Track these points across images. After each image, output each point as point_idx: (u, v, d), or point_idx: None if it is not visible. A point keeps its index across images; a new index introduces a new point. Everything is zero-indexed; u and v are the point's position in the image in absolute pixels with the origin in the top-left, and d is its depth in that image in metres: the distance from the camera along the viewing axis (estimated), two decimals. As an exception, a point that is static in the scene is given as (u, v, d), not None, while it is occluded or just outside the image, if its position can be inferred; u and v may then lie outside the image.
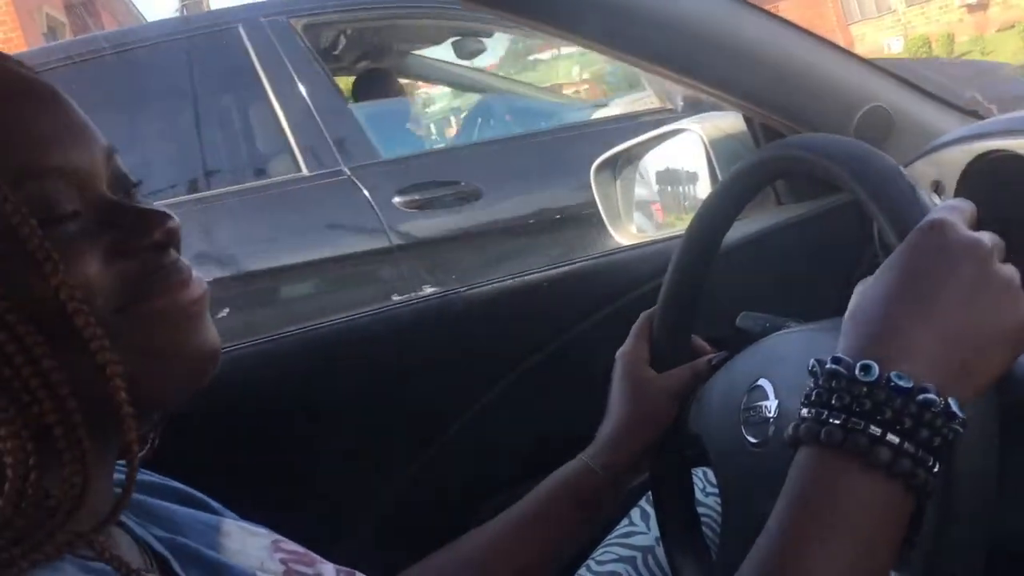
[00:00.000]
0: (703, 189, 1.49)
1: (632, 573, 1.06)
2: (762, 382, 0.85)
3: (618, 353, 1.03)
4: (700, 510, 1.07)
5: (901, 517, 0.56)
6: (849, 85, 1.15)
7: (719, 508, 1.09)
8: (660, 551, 1.06)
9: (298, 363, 1.26)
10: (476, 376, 1.30)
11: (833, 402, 0.57)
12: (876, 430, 0.55)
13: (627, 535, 1.11)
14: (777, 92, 1.14)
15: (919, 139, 1.09)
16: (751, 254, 1.28)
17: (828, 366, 0.58)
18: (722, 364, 0.97)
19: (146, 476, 0.73)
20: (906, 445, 0.55)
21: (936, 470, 0.56)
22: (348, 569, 0.76)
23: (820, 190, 1.27)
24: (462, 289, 1.33)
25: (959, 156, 0.95)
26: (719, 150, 1.39)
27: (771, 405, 0.83)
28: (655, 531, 1.08)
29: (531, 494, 0.96)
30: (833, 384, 0.57)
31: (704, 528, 1.05)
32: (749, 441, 0.84)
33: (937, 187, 0.96)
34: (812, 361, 0.60)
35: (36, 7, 16.95)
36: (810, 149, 0.78)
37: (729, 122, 1.43)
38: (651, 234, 1.74)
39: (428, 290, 2.74)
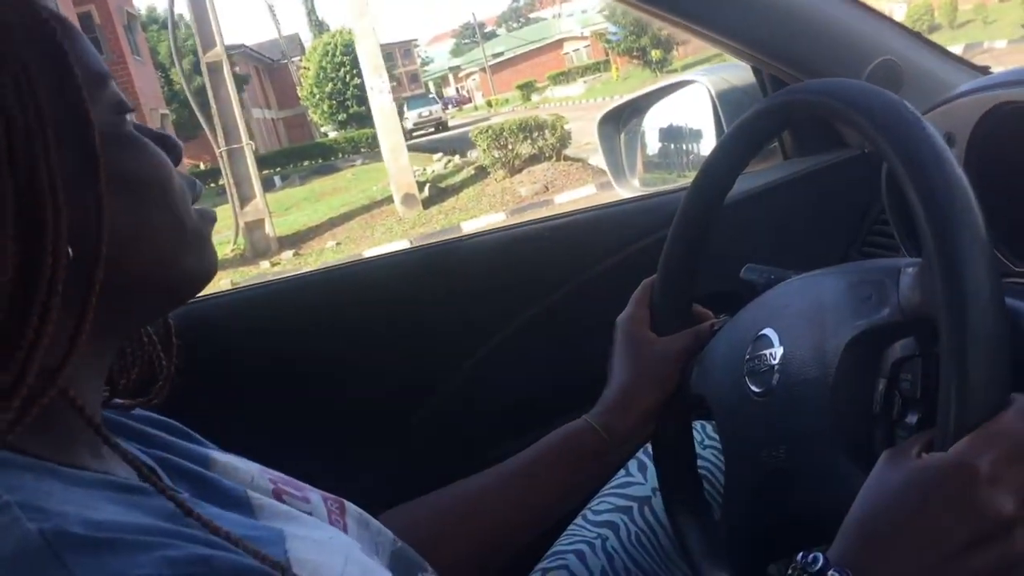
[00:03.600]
0: (707, 147, 1.48)
1: (628, 523, 1.06)
2: (767, 331, 0.85)
3: (618, 319, 1.03)
4: (699, 462, 1.07)
5: None
6: (861, 37, 1.13)
7: (716, 460, 1.09)
8: (656, 501, 1.06)
9: (302, 308, 1.26)
10: (477, 325, 1.30)
11: None
12: None
13: (624, 486, 1.11)
14: (788, 42, 1.13)
15: (930, 93, 1.07)
16: (757, 208, 1.28)
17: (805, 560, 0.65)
18: (723, 328, 0.96)
19: (136, 412, 0.73)
20: None
21: None
22: (336, 497, 0.76)
23: (827, 144, 1.26)
24: (465, 238, 1.33)
25: (971, 108, 0.94)
26: (726, 103, 1.37)
27: (775, 352, 0.82)
28: (652, 482, 1.08)
29: (526, 451, 0.96)
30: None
31: (703, 480, 1.05)
32: (753, 391, 0.84)
33: (949, 139, 0.94)
34: (799, 555, 0.65)
35: None
36: (820, 92, 0.77)
37: (737, 75, 1.41)
38: (655, 187, 1.73)
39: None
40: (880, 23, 1.17)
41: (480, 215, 13.72)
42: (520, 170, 14.74)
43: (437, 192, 15.52)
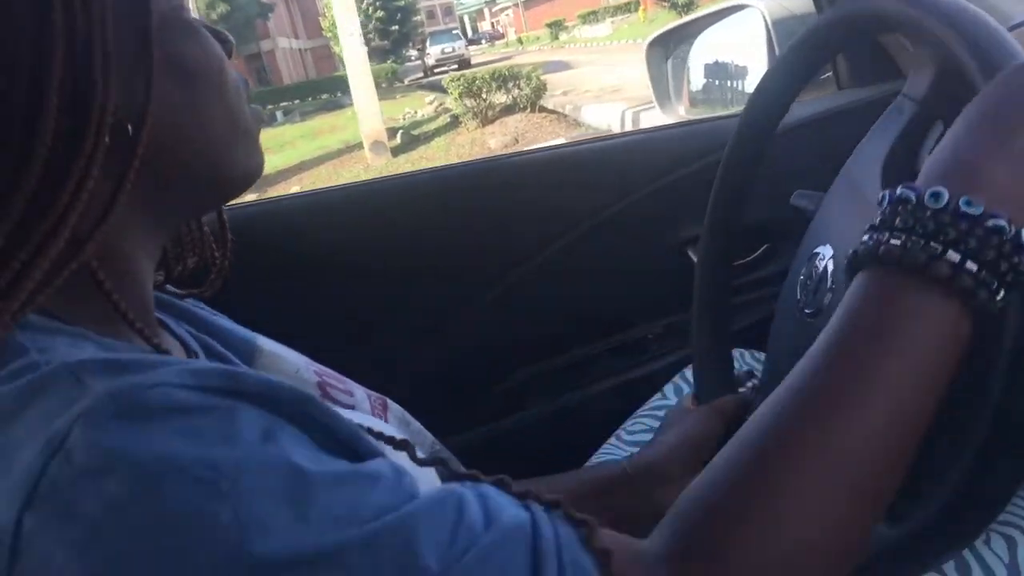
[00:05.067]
0: (752, 84, 1.45)
1: (661, 444, 1.07)
2: (820, 249, 0.83)
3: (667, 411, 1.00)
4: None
5: (955, 342, 0.51)
6: None
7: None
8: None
9: (345, 218, 1.25)
10: (519, 242, 1.29)
11: (896, 224, 0.53)
12: (936, 246, 0.51)
13: (659, 407, 1.12)
14: None
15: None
16: (808, 137, 1.26)
17: (897, 191, 0.54)
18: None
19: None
20: (968, 264, 0.50)
21: (1000, 297, 0.51)
22: (379, 395, 0.76)
23: (882, 75, 1.24)
24: (511, 155, 1.31)
25: None
26: (782, 31, 1.34)
27: (829, 270, 0.80)
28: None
29: (554, 484, 0.89)
30: (899, 210, 0.53)
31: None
32: (805, 312, 0.83)
33: None
34: (881, 192, 0.56)
35: None
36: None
37: (795, 1, 1.37)
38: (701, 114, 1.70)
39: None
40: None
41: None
42: (493, 120, 14.61)
43: (410, 140, 15.37)
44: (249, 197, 0.95)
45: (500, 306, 1.28)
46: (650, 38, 1.75)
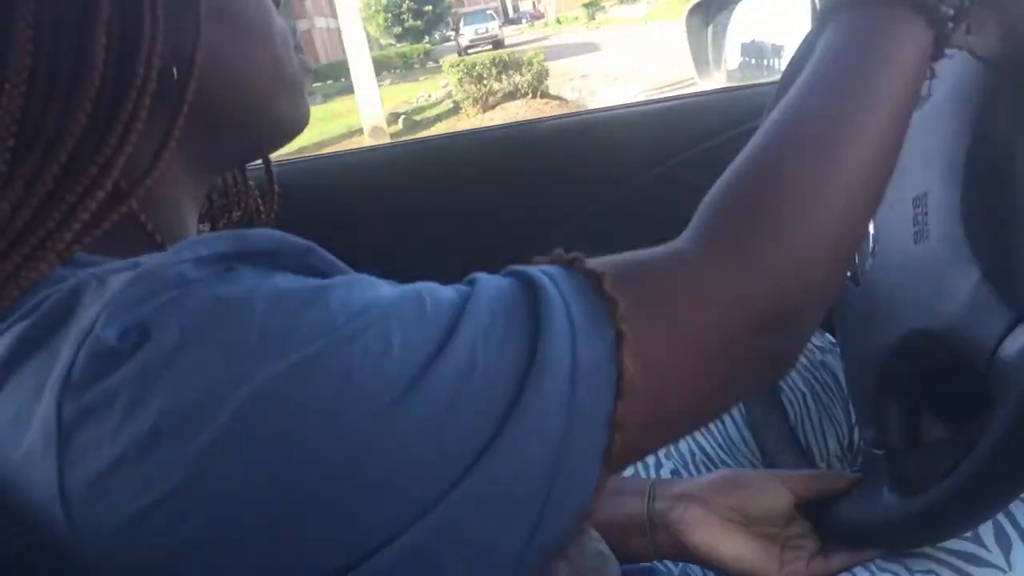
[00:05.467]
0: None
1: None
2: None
3: None
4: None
5: (920, 55, 0.58)
6: None
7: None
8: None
9: (383, 179, 1.27)
10: (556, 205, 1.29)
11: None
12: None
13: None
14: None
15: None
16: None
17: None
18: None
19: None
20: None
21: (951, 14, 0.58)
22: None
23: None
24: (544, 120, 1.31)
25: None
26: None
27: (868, 235, 0.80)
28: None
29: None
30: None
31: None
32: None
33: None
34: None
35: None
36: None
37: None
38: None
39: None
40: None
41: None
42: (494, 107, 14.59)
43: (411, 125, 15.31)
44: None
45: None
46: (691, 5, 1.74)
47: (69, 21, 0.50)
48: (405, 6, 38.05)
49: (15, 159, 0.50)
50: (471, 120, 14.54)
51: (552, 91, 14.62)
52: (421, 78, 23.96)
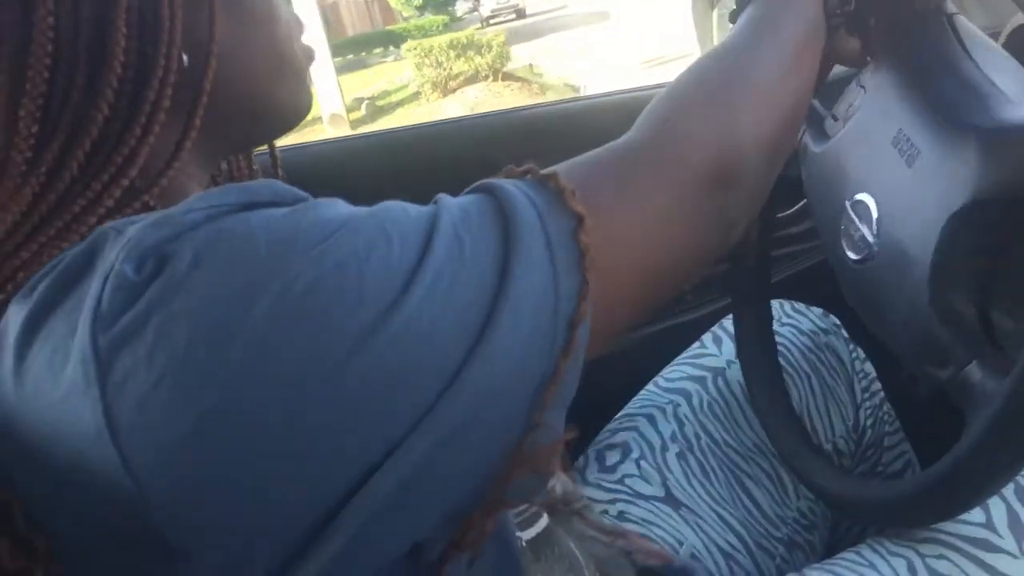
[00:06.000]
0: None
1: (702, 392, 1.07)
2: (860, 197, 0.80)
3: None
4: (775, 339, 1.08)
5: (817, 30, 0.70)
6: None
7: (793, 337, 1.09)
8: (730, 372, 1.07)
9: (379, 165, 1.25)
10: None
11: None
12: None
13: (698, 356, 1.11)
14: None
15: None
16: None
17: None
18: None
19: None
20: None
21: None
22: None
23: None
24: (531, 106, 1.29)
25: None
26: None
27: (874, 217, 0.78)
28: (727, 355, 1.09)
29: None
30: None
31: (779, 356, 1.06)
32: (852, 260, 0.81)
33: None
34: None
35: None
36: None
37: None
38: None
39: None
40: None
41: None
42: (454, 91, 14.48)
43: (374, 111, 15.11)
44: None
45: None
46: None
47: (89, 9, 0.51)
48: (426, -26, 37.26)
49: (39, 145, 0.51)
50: (430, 105, 14.42)
51: (544, 72, 14.37)
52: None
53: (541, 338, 0.46)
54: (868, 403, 1.10)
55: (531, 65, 15.33)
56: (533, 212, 0.48)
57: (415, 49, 14.79)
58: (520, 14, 33.37)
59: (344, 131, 14.08)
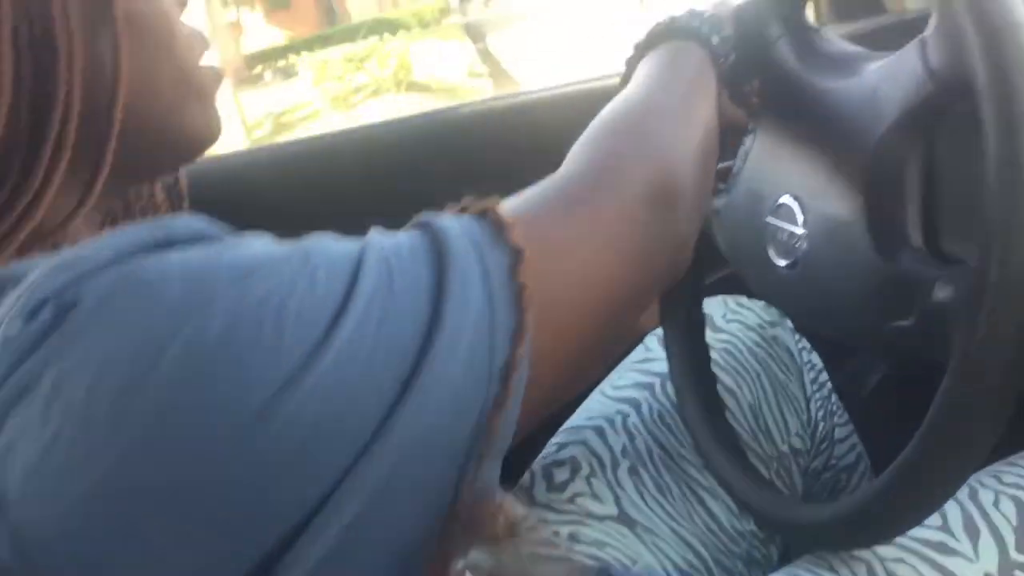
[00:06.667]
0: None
1: (651, 400, 1.02)
2: (783, 200, 0.78)
3: None
4: (720, 336, 1.04)
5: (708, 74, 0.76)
6: None
7: (740, 334, 1.05)
8: (679, 377, 1.02)
9: (309, 170, 1.19)
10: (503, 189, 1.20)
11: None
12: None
13: (644, 361, 1.07)
14: None
15: None
16: None
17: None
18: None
19: None
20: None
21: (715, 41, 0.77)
22: None
23: (865, 9, 1.21)
24: (464, 106, 1.23)
25: None
26: None
27: (799, 219, 0.76)
28: (674, 357, 1.04)
29: None
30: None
31: (726, 355, 1.02)
32: (780, 266, 0.79)
33: None
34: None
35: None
36: None
37: None
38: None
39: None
40: None
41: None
42: (356, 106, 14.19)
43: (276, 128, 14.74)
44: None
45: None
46: None
47: None
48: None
49: None
50: (334, 122, 14.10)
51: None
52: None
53: (475, 380, 0.44)
54: (818, 395, 1.07)
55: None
56: (470, 246, 0.47)
57: (312, 67, 14.50)
58: (524, -11, 33.33)
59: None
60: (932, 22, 0.63)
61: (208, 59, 0.65)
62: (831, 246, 0.73)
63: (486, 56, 18.30)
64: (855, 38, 1.17)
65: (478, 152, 1.22)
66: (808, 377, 1.07)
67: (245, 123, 14.41)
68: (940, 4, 0.61)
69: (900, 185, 0.68)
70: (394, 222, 1.12)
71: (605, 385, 1.06)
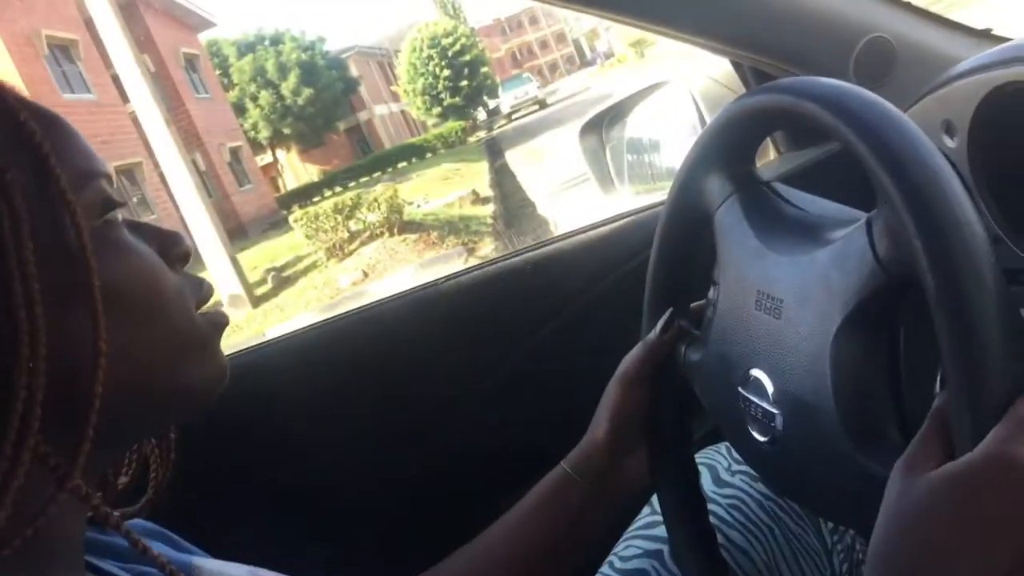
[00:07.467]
0: (669, 158, 1.41)
1: (660, 569, 0.96)
2: (754, 372, 0.75)
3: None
4: (725, 491, 0.99)
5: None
6: (845, 16, 1.06)
7: (747, 487, 1.00)
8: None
9: (286, 370, 1.17)
10: (469, 367, 1.20)
11: None
12: None
13: (649, 526, 1.01)
14: (765, 32, 1.05)
15: (927, 71, 0.99)
16: None
17: None
18: (671, 326, 0.88)
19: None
20: None
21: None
22: None
23: (822, 136, 1.20)
24: (442, 280, 1.22)
25: (972, 90, 0.83)
26: (710, 101, 1.29)
27: (770, 393, 0.73)
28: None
29: (518, 504, 0.90)
30: None
31: (733, 511, 0.98)
32: (761, 443, 0.76)
33: (948, 127, 0.86)
34: None
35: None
36: (790, 92, 0.68)
37: (719, 70, 1.31)
38: (647, 198, 1.64)
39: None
40: (867, -1, 1.09)
41: (294, 315, 12.52)
42: (351, 254, 14.25)
43: (280, 282, 14.67)
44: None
45: (459, 445, 1.21)
46: (582, 124, 1.72)
47: None
48: (441, 85, 37.76)
49: None
50: (329, 271, 14.14)
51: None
52: (413, 176, 22.14)
53: None
54: (839, 544, 1.01)
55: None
56: None
57: (301, 219, 14.59)
58: (542, 104, 34.77)
59: (246, 311, 13.77)
60: (876, 208, 0.61)
61: (208, 301, 0.63)
62: (805, 429, 0.70)
63: (503, 171, 18.50)
64: (816, 166, 1.18)
65: (489, 313, 1.23)
66: (827, 527, 1.01)
67: (246, 284, 14.49)
68: (879, 193, 0.59)
69: (867, 379, 0.66)
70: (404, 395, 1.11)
71: (612, 557, 1.01)
